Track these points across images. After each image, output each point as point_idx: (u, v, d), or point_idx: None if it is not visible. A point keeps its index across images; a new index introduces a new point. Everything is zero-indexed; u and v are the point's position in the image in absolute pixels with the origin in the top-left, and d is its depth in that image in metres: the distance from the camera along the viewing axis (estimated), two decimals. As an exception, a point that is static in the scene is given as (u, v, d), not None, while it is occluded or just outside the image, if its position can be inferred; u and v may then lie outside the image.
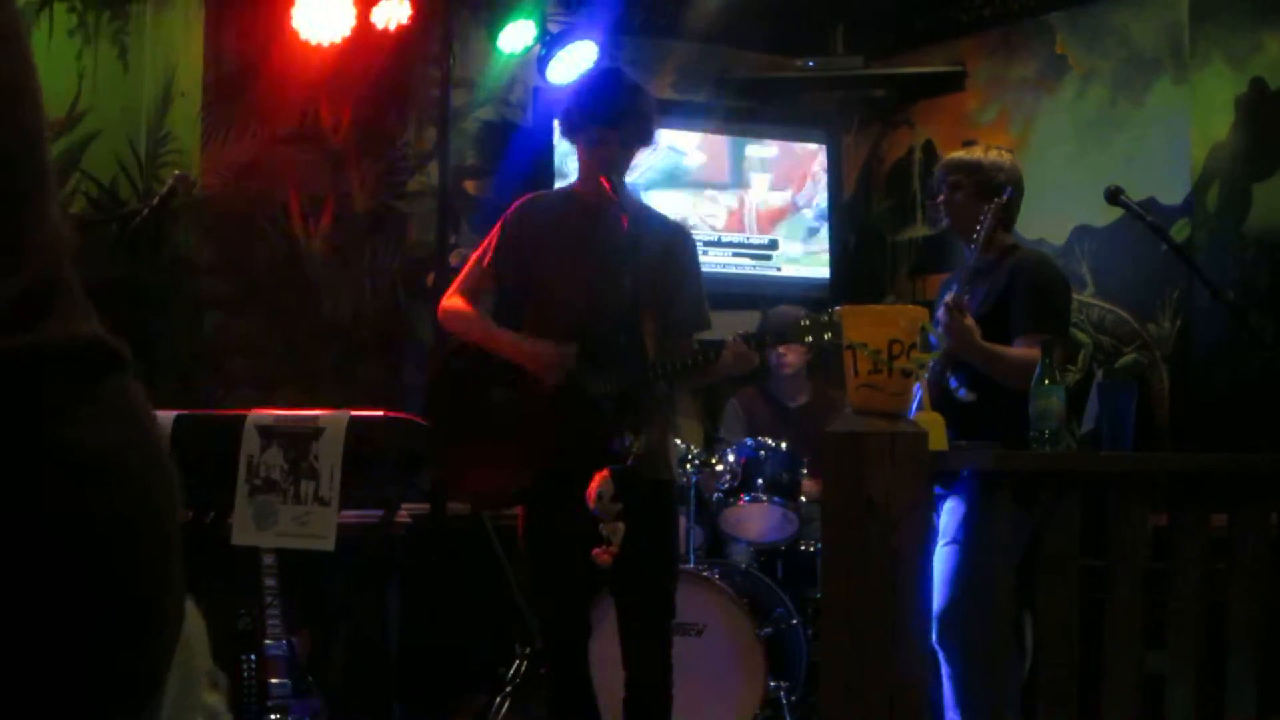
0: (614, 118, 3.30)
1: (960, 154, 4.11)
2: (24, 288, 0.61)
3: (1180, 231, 5.04)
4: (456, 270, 3.82)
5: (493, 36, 5.18)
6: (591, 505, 3.10)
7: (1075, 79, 5.69)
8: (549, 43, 5.08)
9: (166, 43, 4.99)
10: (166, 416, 3.19)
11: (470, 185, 5.44)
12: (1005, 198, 3.85)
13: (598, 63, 5.05)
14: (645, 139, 3.39)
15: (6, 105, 0.63)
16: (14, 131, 0.63)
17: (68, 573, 0.59)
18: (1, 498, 0.57)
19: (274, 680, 3.67)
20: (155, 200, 4.10)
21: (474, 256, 3.54)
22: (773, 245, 6.07)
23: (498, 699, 4.47)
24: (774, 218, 6.10)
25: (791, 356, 5.01)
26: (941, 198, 4.05)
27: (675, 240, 3.50)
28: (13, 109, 0.63)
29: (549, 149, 5.31)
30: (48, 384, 0.60)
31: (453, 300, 3.45)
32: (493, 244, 3.44)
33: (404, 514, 4.37)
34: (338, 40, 4.73)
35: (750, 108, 6.07)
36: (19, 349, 0.59)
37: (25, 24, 0.68)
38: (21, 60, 0.65)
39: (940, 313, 3.85)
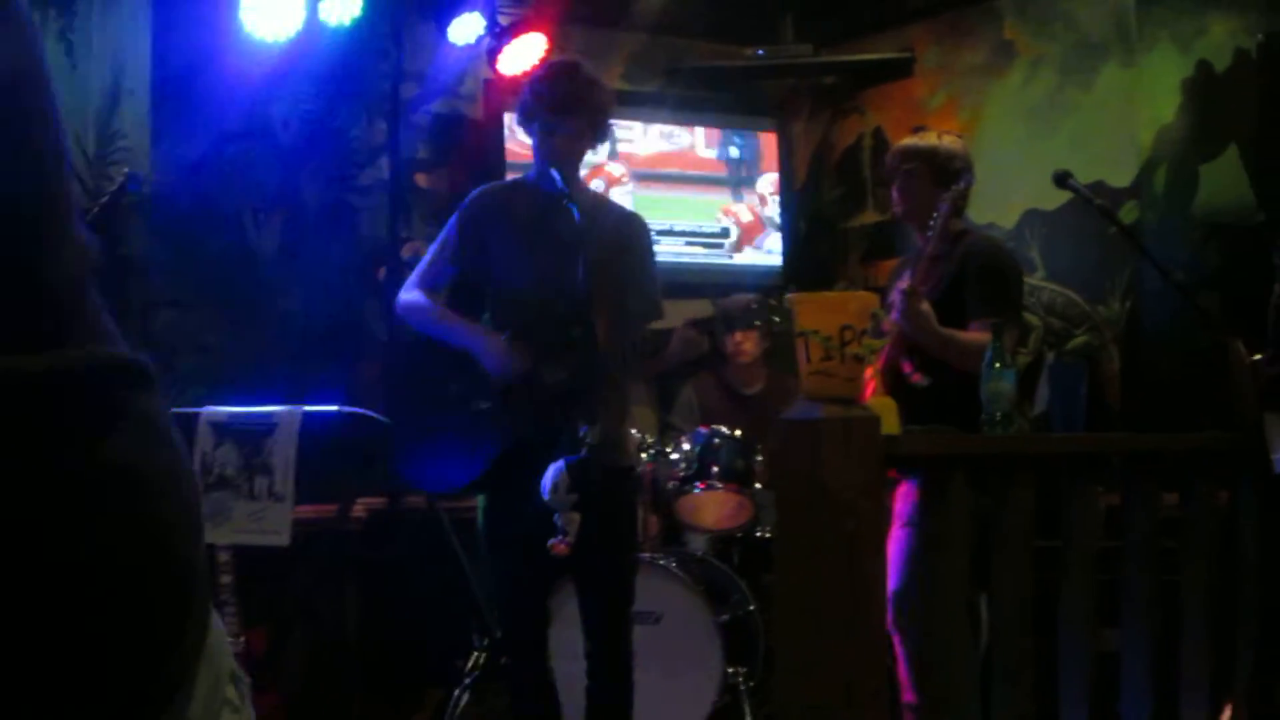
0: (570, 108, 3.32)
1: (914, 140, 4.13)
2: (49, 309, 0.62)
3: (1129, 214, 5.11)
4: (410, 264, 3.82)
5: (441, 29, 5.17)
6: (546, 496, 3.12)
7: (1023, 64, 5.73)
8: (498, 35, 5.03)
9: (114, 40, 4.97)
10: None
11: (421, 178, 5.47)
12: (964, 185, 3.89)
13: (552, 54, 5.07)
14: (600, 131, 3.43)
15: (14, 118, 0.61)
16: (26, 149, 0.62)
17: (112, 584, 0.62)
18: (45, 518, 0.59)
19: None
20: (105, 199, 4.09)
21: (432, 249, 3.56)
22: (724, 234, 6.12)
23: (456, 691, 4.47)
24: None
25: (748, 345, 5.06)
26: (897, 185, 4.06)
27: (629, 230, 3.53)
28: (21, 121, 0.62)
29: (500, 141, 5.35)
30: (84, 403, 0.62)
31: (411, 294, 3.46)
32: (452, 237, 3.46)
33: (360, 508, 4.37)
34: (287, 37, 4.72)
35: (701, 97, 6.11)
36: (54, 369, 0.60)
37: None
38: (26, 54, 0.63)
39: (895, 297, 3.87)
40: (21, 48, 0.62)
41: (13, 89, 0.61)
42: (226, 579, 3.70)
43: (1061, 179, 3.75)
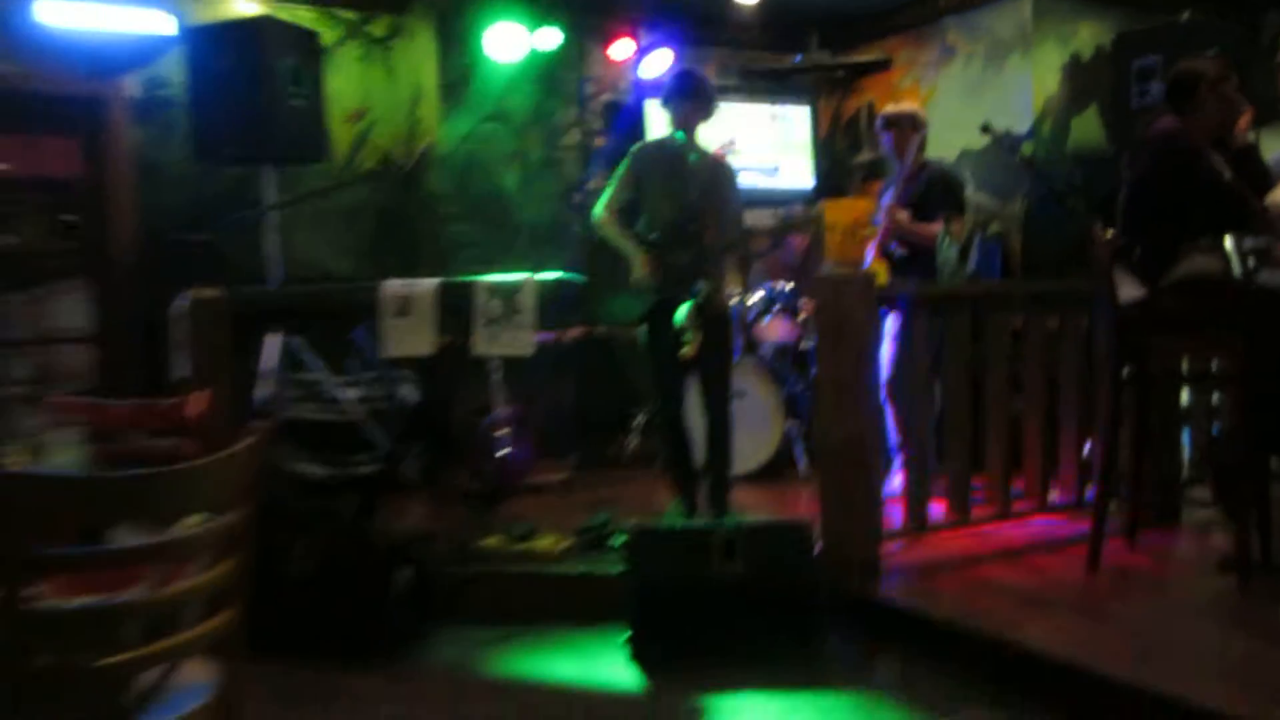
0: (690, 95, 4.09)
1: (893, 108, 4.91)
2: None
3: (1027, 149, 6.00)
4: (594, 193, 4.60)
5: (607, 49, 6.40)
6: (680, 324, 3.93)
7: (960, 58, 6.59)
8: (640, 52, 6.26)
9: (415, 64, 6.05)
10: (431, 283, 3.95)
11: (598, 141, 6.45)
12: (923, 135, 4.70)
13: (677, 63, 5.89)
14: (708, 109, 4.12)
15: None
16: None
17: None
18: None
19: (502, 431, 4.91)
20: (414, 160, 5.18)
21: (615, 181, 4.18)
22: (778, 169, 6.86)
23: (631, 437, 5.64)
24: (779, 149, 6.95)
25: (799, 241, 5.92)
26: (886, 137, 4.83)
27: (723, 171, 4.24)
28: None
29: (642, 117, 6.28)
30: None
31: (599, 211, 4.16)
32: (624, 173, 4.14)
33: (572, 333, 5.43)
34: (516, 58, 5.81)
35: (764, 86, 6.97)
36: None
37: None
38: None
39: (884, 203, 4.70)
40: None
41: None
42: (498, 377, 4.86)
43: (985, 128, 4.62)
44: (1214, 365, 3.90)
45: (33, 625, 1.47)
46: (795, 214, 4.35)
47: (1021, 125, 6.19)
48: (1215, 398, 4.27)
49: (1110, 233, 3.56)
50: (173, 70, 5.50)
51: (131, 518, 1.58)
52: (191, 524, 1.62)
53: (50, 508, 1.47)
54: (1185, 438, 4.21)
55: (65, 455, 1.96)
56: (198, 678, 1.69)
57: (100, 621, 1.55)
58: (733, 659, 3.14)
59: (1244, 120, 3.67)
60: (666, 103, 4.14)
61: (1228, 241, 3.59)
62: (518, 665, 3.25)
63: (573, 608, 3.56)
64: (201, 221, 5.46)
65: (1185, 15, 5.44)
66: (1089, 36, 6.37)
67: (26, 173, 5.58)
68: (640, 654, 3.21)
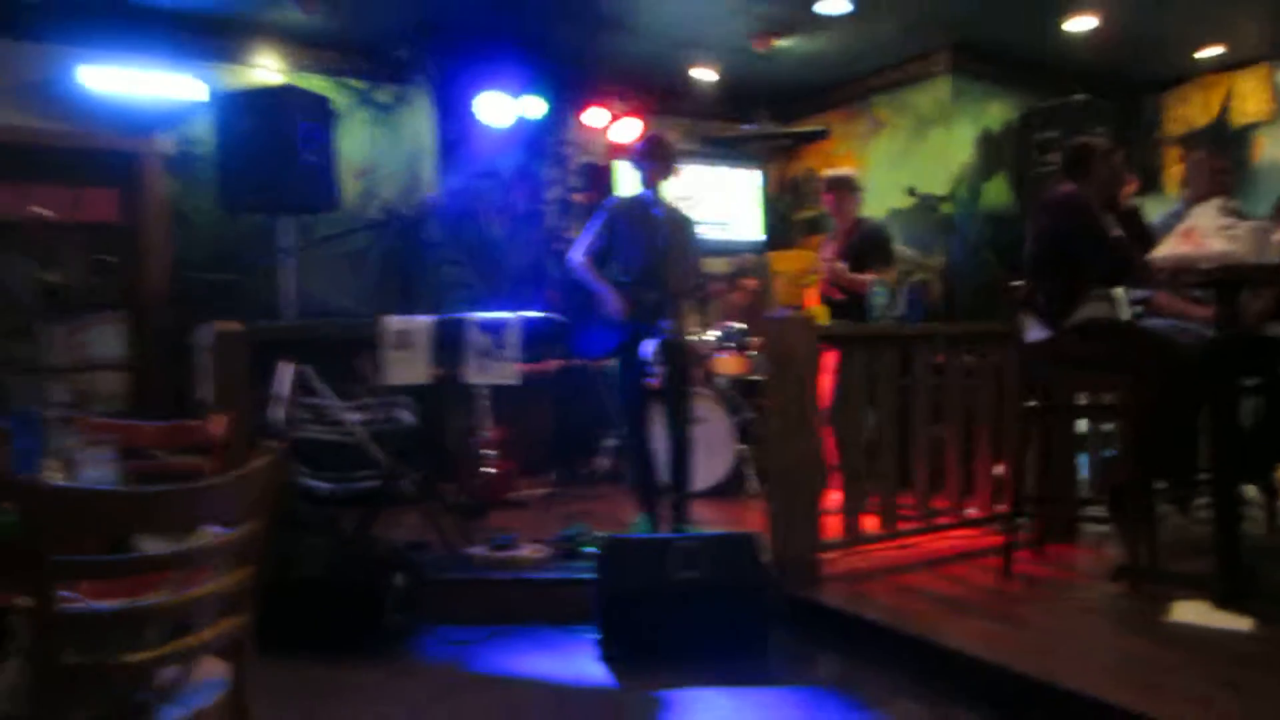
0: (656, 158, 4.13)
1: (835, 171, 4.99)
2: None
3: (946, 209, 6.06)
4: (571, 240, 4.58)
5: (584, 119, 6.43)
6: (647, 357, 3.99)
7: (887, 130, 6.64)
8: (614, 120, 6.37)
9: (416, 128, 6.06)
10: (427, 320, 3.87)
11: (576, 196, 6.43)
12: (858, 196, 4.80)
13: (646, 129, 6.00)
14: (670, 170, 4.18)
15: None
16: None
17: None
18: None
19: (488, 451, 4.96)
20: (414, 209, 5.17)
21: (585, 231, 4.22)
22: (732, 222, 6.98)
23: (603, 457, 5.56)
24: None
25: (750, 282, 5.82)
26: (827, 197, 4.88)
27: (685, 223, 4.28)
28: None
29: (613, 176, 6.44)
30: None
31: (575, 254, 4.20)
32: (597, 224, 4.17)
33: (551, 365, 5.49)
34: (505, 123, 5.82)
35: (720, 151, 7.01)
36: None
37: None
38: None
39: (823, 262, 4.78)
40: None
41: None
42: (486, 403, 4.90)
43: (910, 191, 5.16)
44: (1106, 398, 3.92)
45: (65, 626, 1.44)
46: (747, 262, 4.18)
47: (941, 189, 6.21)
48: (1108, 426, 4.31)
49: (1017, 282, 3.57)
50: (202, 129, 5.49)
51: (155, 529, 1.55)
52: (209, 534, 1.58)
53: (82, 518, 1.44)
54: (1083, 461, 4.25)
55: (97, 471, 1.92)
56: (212, 675, 1.66)
57: (126, 623, 1.51)
58: (690, 656, 3.11)
59: (1128, 188, 3.72)
60: (636, 164, 4.16)
61: (1118, 291, 3.61)
62: (501, 662, 3.21)
63: (551, 610, 3.51)
64: (225, 262, 5.43)
65: (1079, 97, 5.60)
66: (998, 113, 6.45)
67: (71, 218, 5.54)
68: (608, 653, 3.17)
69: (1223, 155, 4.20)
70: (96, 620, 1.48)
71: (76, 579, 1.54)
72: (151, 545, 1.60)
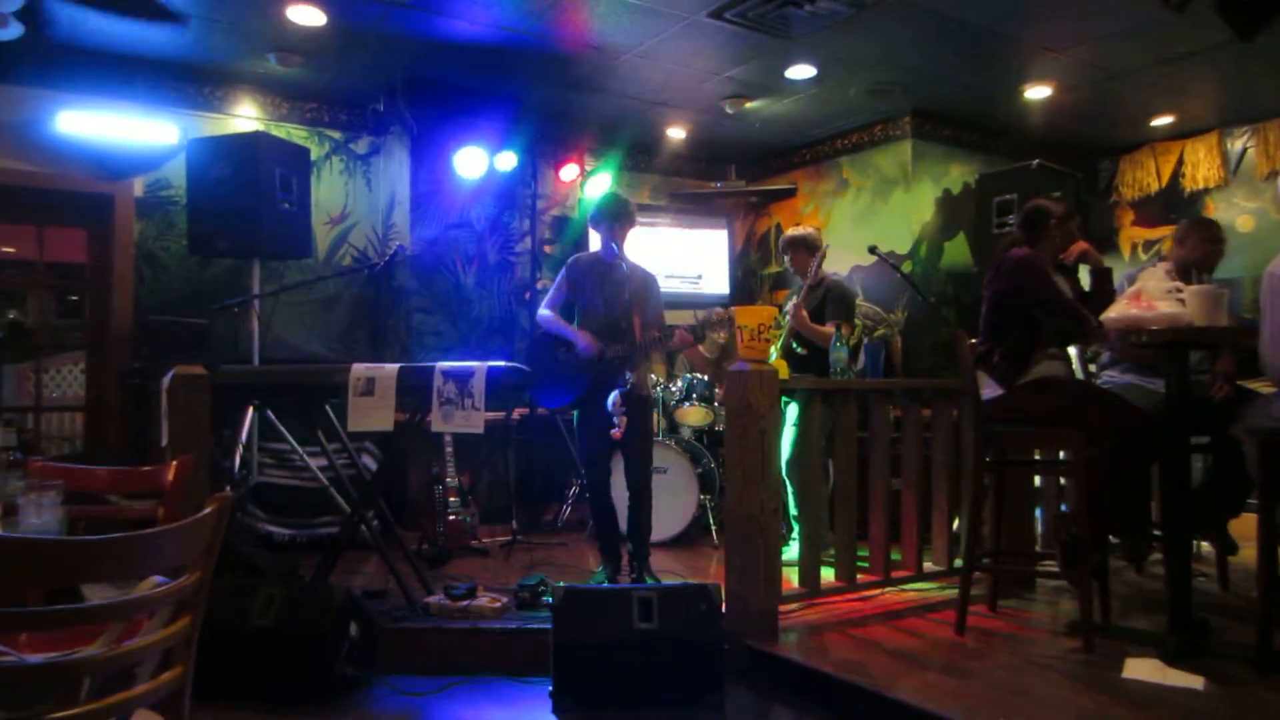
0: (615, 217, 4.09)
1: (796, 231, 4.92)
2: None
3: (907, 267, 6.03)
4: (541, 293, 4.70)
5: (557, 172, 6.46)
6: (610, 408, 3.99)
7: (853, 190, 6.64)
8: (585, 175, 6.38)
9: (391, 178, 6.06)
10: (394, 367, 3.70)
11: (547, 248, 6.43)
12: (822, 253, 4.73)
13: (608, 188, 6.03)
14: (630, 224, 4.13)
15: None
16: None
17: None
18: None
19: (451, 499, 4.86)
20: (386, 258, 5.13)
21: (553, 286, 4.24)
22: (699, 277, 6.98)
23: (565, 505, 5.49)
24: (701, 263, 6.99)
25: (715, 335, 5.45)
26: (789, 255, 4.87)
27: (648, 279, 4.21)
28: None
29: (585, 229, 6.28)
30: None
31: (543, 310, 4.20)
32: (563, 280, 4.19)
33: (516, 414, 5.47)
34: (479, 175, 5.76)
35: (688, 209, 7.04)
36: None
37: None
38: None
39: (789, 314, 4.71)
40: None
41: None
42: (450, 450, 4.83)
43: (873, 249, 4.86)
44: (1060, 454, 3.88)
45: (-6, 681, 1.37)
46: (712, 316, 4.11)
47: (903, 247, 6.21)
48: (1062, 481, 4.29)
49: (973, 340, 3.57)
50: (175, 174, 5.47)
51: (96, 577, 1.49)
52: (152, 582, 1.52)
53: (17, 568, 1.37)
54: (1038, 515, 4.22)
55: (39, 518, 1.85)
56: (147, 730, 1.59)
57: (58, 677, 1.43)
58: (645, 709, 3.04)
59: (1074, 249, 3.76)
60: (596, 223, 4.11)
61: (1071, 349, 3.62)
62: (454, 715, 3.11)
63: (507, 662, 3.44)
64: (194, 305, 5.38)
65: (1035, 162, 5.60)
66: (958, 175, 6.48)
67: (39, 257, 5.50)
68: (561, 704, 3.10)
69: (1218, 226, 4.24)
70: (25, 673, 1.41)
71: (15, 631, 1.47)
72: (100, 594, 1.53)
